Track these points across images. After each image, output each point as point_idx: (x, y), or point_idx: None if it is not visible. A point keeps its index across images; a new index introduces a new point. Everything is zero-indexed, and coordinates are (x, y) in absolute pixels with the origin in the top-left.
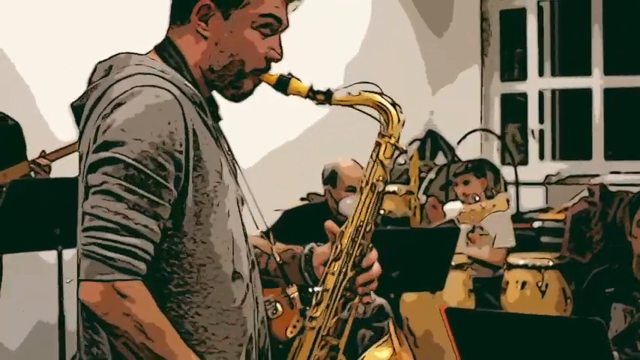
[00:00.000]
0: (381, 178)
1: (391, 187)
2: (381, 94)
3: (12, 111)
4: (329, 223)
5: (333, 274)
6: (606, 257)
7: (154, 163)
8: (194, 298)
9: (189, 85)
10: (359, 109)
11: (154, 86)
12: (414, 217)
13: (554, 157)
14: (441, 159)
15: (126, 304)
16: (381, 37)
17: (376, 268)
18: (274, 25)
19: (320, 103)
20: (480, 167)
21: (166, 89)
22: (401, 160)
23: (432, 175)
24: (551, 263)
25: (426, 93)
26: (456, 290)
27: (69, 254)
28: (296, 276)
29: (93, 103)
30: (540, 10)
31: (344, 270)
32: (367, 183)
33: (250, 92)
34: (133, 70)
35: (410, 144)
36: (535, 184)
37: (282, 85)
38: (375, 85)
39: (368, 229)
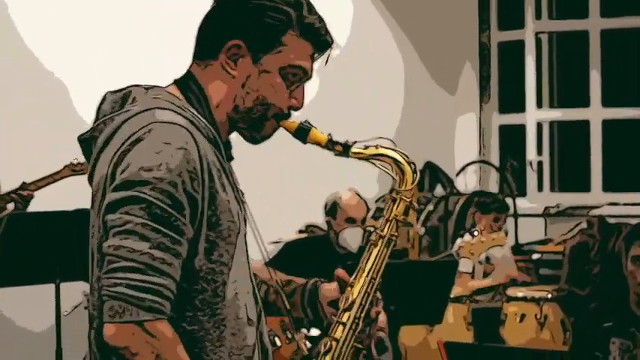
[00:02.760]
0: (394, 233)
1: None
2: (398, 151)
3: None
4: (340, 271)
5: (344, 324)
6: (605, 290)
7: (175, 202)
8: (207, 336)
9: (207, 122)
10: (375, 164)
11: (172, 123)
12: (412, 249)
13: (552, 189)
14: (439, 191)
15: (157, 344)
16: (379, 74)
17: (382, 318)
18: (300, 76)
19: (338, 154)
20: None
21: (184, 127)
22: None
23: (430, 206)
24: (549, 296)
25: (426, 125)
26: (455, 323)
27: (66, 287)
28: (296, 309)
29: (107, 136)
30: (539, 41)
31: (356, 321)
32: (381, 237)
33: (269, 136)
34: (151, 104)
35: None
36: (534, 215)
37: (302, 133)
38: (392, 141)
39: (379, 281)
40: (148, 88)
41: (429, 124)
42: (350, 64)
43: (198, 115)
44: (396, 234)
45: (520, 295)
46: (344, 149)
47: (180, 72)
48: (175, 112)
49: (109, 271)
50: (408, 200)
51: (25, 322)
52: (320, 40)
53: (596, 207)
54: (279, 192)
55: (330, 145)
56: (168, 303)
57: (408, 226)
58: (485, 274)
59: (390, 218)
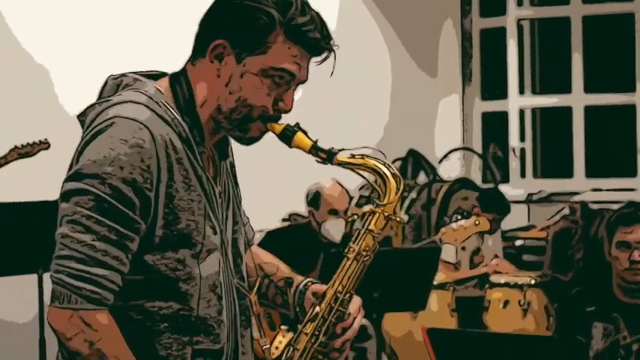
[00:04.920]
0: (368, 248)
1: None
2: (384, 163)
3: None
4: (317, 287)
5: (306, 334)
6: (588, 275)
7: (124, 198)
8: (155, 328)
9: (183, 120)
10: (359, 175)
11: (134, 120)
12: (395, 236)
13: (535, 176)
14: (422, 178)
15: (90, 333)
16: (360, 57)
17: (351, 332)
18: (286, 79)
19: (322, 161)
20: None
21: (145, 125)
22: None
23: (413, 194)
24: (533, 282)
25: (408, 112)
26: (439, 310)
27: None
28: (289, 308)
29: (89, 122)
30: (520, 28)
31: (316, 333)
32: (354, 251)
33: (257, 138)
34: (128, 97)
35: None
36: (517, 202)
37: (287, 137)
38: (381, 152)
39: (347, 297)
40: (142, 76)
41: (412, 112)
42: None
43: (174, 112)
44: (369, 248)
45: (503, 281)
46: (328, 157)
47: (172, 64)
48: (148, 107)
49: (56, 258)
50: (386, 214)
51: (8, 313)
52: (310, 43)
53: (579, 193)
54: (262, 181)
55: (314, 151)
56: (108, 293)
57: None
58: (475, 265)
59: (365, 231)
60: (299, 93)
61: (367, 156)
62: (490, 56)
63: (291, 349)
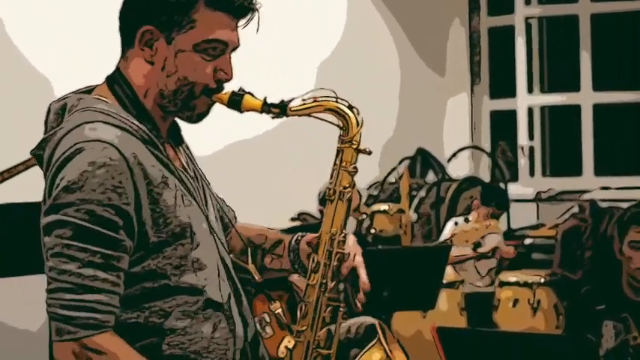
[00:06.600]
0: (347, 185)
1: (382, 206)
2: (337, 98)
3: None
4: (310, 236)
5: (313, 286)
6: (597, 273)
7: (101, 220)
8: (162, 327)
9: (138, 124)
10: (317, 117)
11: (98, 140)
12: (404, 235)
13: (544, 174)
14: (431, 177)
15: (98, 358)
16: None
17: (358, 259)
18: (220, 48)
19: (276, 116)
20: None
21: (110, 143)
22: (391, 178)
23: (422, 193)
24: (542, 280)
25: (416, 110)
26: (448, 309)
27: None
28: (287, 267)
29: (49, 155)
30: (529, 26)
31: (324, 281)
32: (334, 192)
33: (206, 113)
34: (82, 119)
35: (400, 162)
36: (526, 200)
37: (235, 102)
38: (331, 90)
39: (342, 237)
40: (82, 93)
41: (421, 110)
42: (344, 52)
43: (128, 117)
44: (348, 185)
45: (513, 279)
46: (281, 109)
47: None
48: (106, 122)
49: (48, 292)
50: (355, 146)
51: (17, 315)
52: (234, 6)
53: (588, 191)
54: (272, 180)
55: (266, 108)
56: (106, 316)
57: (401, 212)
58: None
59: (339, 169)
60: (307, 91)
61: (319, 97)
62: (498, 55)
63: (303, 304)
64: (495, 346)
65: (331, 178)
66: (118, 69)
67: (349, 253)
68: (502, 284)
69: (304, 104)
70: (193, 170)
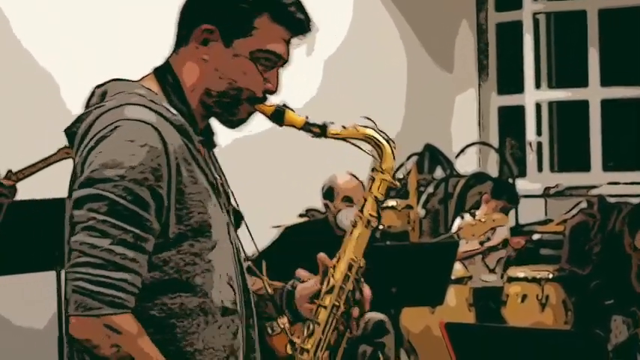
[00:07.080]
0: (374, 214)
1: (390, 202)
2: (376, 129)
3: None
4: (322, 256)
5: (325, 307)
6: (606, 269)
7: (137, 199)
8: (178, 325)
9: (179, 115)
10: (353, 144)
11: (138, 120)
12: (412, 231)
13: (552, 169)
14: (439, 173)
15: (117, 338)
16: (376, 50)
17: (367, 293)
18: (273, 60)
19: (315, 135)
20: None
21: (150, 124)
22: (399, 174)
23: (430, 189)
24: (550, 276)
25: (424, 106)
26: (457, 304)
27: None
28: (278, 313)
29: (83, 132)
30: (536, 22)
31: (337, 304)
32: (361, 218)
33: (245, 120)
34: (123, 100)
35: (408, 158)
36: (534, 196)
37: (278, 116)
38: (370, 120)
39: (361, 264)
40: (125, 81)
41: (429, 106)
42: (352, 48)
43: (170, 108)
44: (376, 214)
45: (521, 275)
46: (321, 130)
47: None
48: (146, 106)
49: (73, 265)
50: (388, 180)
51: (27, 312)
52: (294, 23)
53: (596, 186)
54: (278, 177)
55: (307, 127)
56: (130, 296)
57: (409, 208)
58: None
59: (370, 196)
60: (314, 90)
61: (359, 125)
62: (506, 50)
63: (311, 323)
64: (504, 341)
65: (362, 206)
66: (167, 62)
67: (364, 282)
68: (510, 280)
69: (344, 130)
70: (220, 177)
